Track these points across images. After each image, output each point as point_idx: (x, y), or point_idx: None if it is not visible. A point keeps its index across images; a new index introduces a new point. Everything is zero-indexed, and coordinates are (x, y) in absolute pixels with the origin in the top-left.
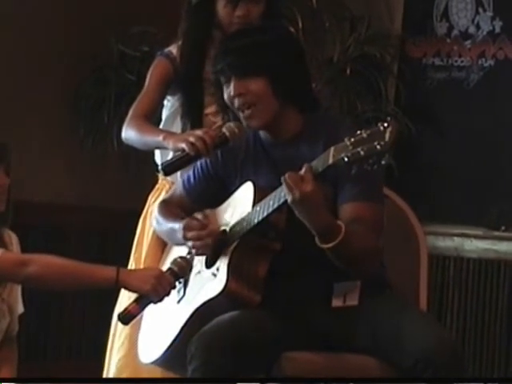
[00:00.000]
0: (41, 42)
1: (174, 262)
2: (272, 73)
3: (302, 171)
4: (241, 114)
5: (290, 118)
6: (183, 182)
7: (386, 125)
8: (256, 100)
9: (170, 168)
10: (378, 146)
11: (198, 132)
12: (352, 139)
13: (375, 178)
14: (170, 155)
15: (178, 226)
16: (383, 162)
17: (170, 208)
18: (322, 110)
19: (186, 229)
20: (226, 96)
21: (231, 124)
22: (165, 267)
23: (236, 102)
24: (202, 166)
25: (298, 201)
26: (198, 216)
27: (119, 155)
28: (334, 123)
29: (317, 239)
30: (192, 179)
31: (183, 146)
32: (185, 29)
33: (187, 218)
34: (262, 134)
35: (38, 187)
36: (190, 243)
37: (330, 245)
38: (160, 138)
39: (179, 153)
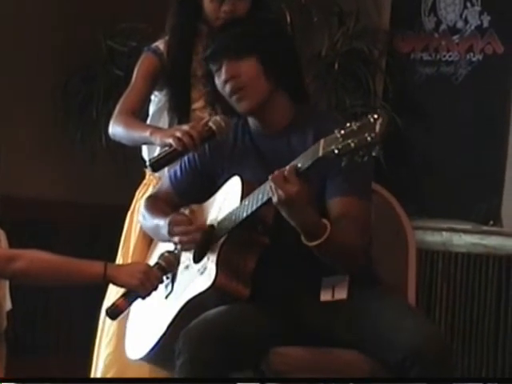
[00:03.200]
0: (29, 37)
1: (162, 256)
2: (263, 52)
3: (286, 172)
4: (233, 98)
5: (280, 106)
6: (170, 176)
7: (376, 116)
8: (247, 82)
9: (157, 164)
10: (369, 138)
11: (185, 127)
12: (342, 131)
13: (365, 173)
14: (157, 151)
15: (163, 222)
16: (374, 154)
17: (156, 203)
18: (311, 102)
19: (172, 223)
20: (218, 83)
21: (217, 118)
22: (151, 262)
23: (228, 86)
24: (189, 161)
25: (283, 202)
26: (185, 211)
27: (108, 150)
28: (324, 116)
29: (302, 237)
30: (179, 174)
31: (170, 141)
32: (172, 23)
33: (173, 213)
34: (251, 124)
35: (27, 183)
36: (175, 238)
37: (316, 243)
38: (147, 133)
39: (166, 148)
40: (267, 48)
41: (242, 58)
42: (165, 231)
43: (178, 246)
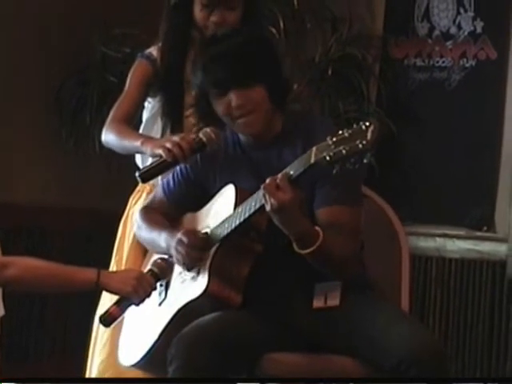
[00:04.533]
0: (23, 42)
1: (155, 263)
2: (269, 79)
3: (278, 179)
4: (238, 121)
5: (271, 120)
6: (163, 186)
7: (367, 124)
8: (255, 108)
9: (146, 175)
10: (360, 145)
11: (175, 138)
12: (334, 138)
13: (354, 180)
14: (151, 158)
15: (164, 235)
16: (365, 161)
17: (152, 215)
18: (301, 109)
19: (179, 242)
20: (220, 108)
21: (208, 130)
22: (147, 269)
23: (237, 111)
24: (181, 170)
25: (276, 210)
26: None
27: (101, 156)
28: (313, 123)
29: (294, 245)
30: (172, 183)
31: (160, 152)
32: (164, 29)
33: (184, 232)
34: (241, 136)
35: (20, 189)
36: (178, 256)
37: (308, 250)
38: (138, 143)
39: (157, 158)
40: (272, 76)
41: (250, 88)
42: (165, 244)
43: (175, 261)
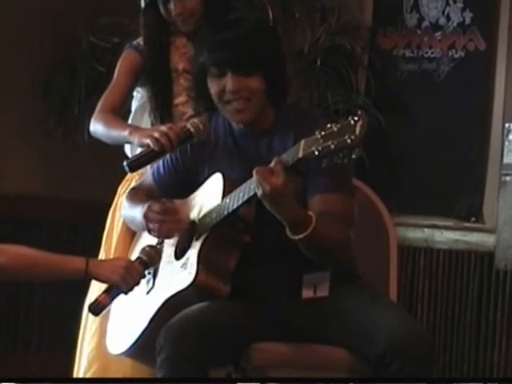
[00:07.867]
0: (11, 32)
1: (143, 251)
2: (267, 70)
3: (272, 164)
4: (229, 106)
5: (264, 111)
6: (153, 172)
7: (356, 118)
8: (251, 96)
9: (134, 164)
10: (349, 140)
11: (163, 128)
12: (322, 133)
13: (345, 170)
14: (139, 148)
15: (140, 208)
16: (353, 156)
17: (138, 195)
18: (290, 100)
19: (149, 208)
20: (215, 89)
21: (195, 120)
22: (133, 256)
23: (230, 95)
24: (171, 158)
25: (269, 195)
26: (164, 200)
27: (90, 146)
28: (305, 116)
29: (288, 231)
30: (162, 170)
31: (148, 141)
32: (141, 24)
33: (154, 201)
34: (234, 126)
35: (9, 179)
36: (150, 225)
37: (301, 236)
38: (126, 132)
39: (145, 148)
40: (271, 67)
41: (249, 75)
42: (140, 217)
43: (153, 233)
